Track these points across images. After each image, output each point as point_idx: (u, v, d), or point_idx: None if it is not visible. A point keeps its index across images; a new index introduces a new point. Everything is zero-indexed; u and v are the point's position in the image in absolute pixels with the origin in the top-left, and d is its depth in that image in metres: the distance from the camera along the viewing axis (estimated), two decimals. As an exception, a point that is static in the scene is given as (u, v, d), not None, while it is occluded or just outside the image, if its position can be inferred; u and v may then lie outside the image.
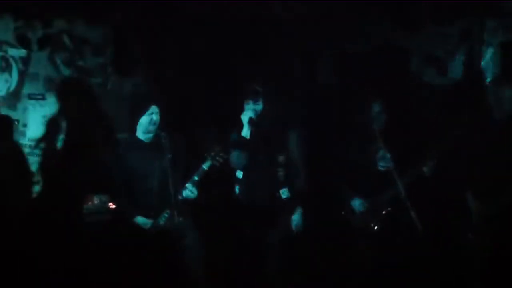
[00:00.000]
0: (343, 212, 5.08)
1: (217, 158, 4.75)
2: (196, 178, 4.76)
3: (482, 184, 4.70)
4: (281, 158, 5.01)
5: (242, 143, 4.92)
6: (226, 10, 5.89)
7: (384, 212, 4.97)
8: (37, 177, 5.60)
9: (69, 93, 5.39)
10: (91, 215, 5.21)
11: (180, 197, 4.74)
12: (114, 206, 5.13)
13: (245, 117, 4.93)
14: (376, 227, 4.95)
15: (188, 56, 6.18)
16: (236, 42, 6.20)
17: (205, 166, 4.77)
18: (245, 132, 4.92)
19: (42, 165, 5.61)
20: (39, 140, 5.62)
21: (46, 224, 5.29)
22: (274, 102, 5.28)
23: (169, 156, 4.73)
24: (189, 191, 4.75)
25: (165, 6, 5.75)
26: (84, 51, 5.94)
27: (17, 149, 5.34)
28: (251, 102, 4.97)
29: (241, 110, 5.01)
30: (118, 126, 5.87)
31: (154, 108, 4.86)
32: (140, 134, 4.91)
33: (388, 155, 4.87)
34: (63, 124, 5.52)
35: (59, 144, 5.63)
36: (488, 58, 5.62)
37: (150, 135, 4.89)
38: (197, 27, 6.03)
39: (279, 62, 6.31)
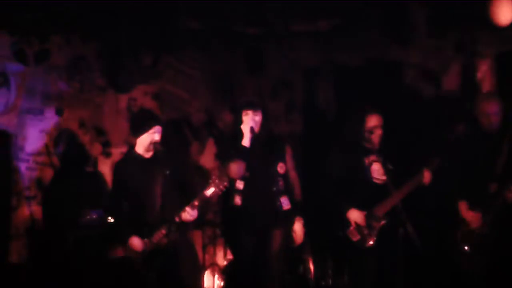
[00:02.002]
0: (340, 233, 5.08)
1: (221, 186, 4.71)
2: (195, 203, 4.72)
3: (474, 195, 4.72)
4: (280, 168, 5.02)
5: (242, 152, 4.93)
6: (225, 25, 5.94)
7: (380, 225, 4.97)
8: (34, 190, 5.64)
9: (66, 106, 5.43)
10: (86, 229, 5.22)
11: (177, 217, 4.72)
12: (112, 221, 5.13)
13: (245, 127, 4.94)
14: (372, 241, 4.95)
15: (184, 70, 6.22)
16: (235, 56, 6.24)
17: (207, 193, 4.72)
18: (246, 141, 4.93)
19: (40, 179, 5.65)
20: (37, 154, 5.67)
21: (42, 237, 5.32)
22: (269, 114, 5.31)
23: (167, 172, 4.71)
24: (188, 214, 4.71)
25: (163, 22, 5.78)
26: (81, 66, 5.96)
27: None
28: (250, 112, 4.98)
29: (240, 121, 5.03)
30: (115, 141, 5.94)
31: (157, 128, 4.87)
32: (140, 149, 4.91)
33: (383, 167, 4.88)
34: (62, 139, 5.58)
35: (57, 158, 5.69)
36: (483, 70, 5.67)
37: (150, 152, 4.89)
38: (195, 42, 6.07)
39: (278, 76, 6.36)
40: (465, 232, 4.80)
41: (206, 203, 4.82)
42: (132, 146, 4.97)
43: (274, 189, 4.96)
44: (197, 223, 5.00)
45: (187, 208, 4.70)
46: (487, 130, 4.79)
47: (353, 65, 6.18)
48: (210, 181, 4.73)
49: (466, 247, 4.78)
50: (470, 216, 4.78)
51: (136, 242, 4.73)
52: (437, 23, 5.69)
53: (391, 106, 5.51)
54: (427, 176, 4.83)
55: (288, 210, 4.97)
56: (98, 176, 5.54)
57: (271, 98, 6.43)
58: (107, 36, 5.93)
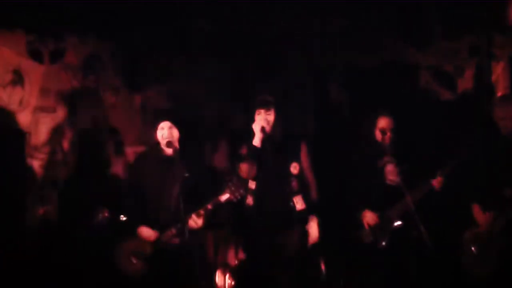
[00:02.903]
0: (353, 234, 5.06)
1: (237, 194, 4.68)
2: (209, 207, 4.69)
3: (488, 198, 4.70)
4: (293, 168, 5.00)
5: (253, 152, 4.91)
6: (238, 26, 5.94)
7: (393, 226, 4.95)
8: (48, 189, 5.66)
9: (80, 105, 5.44)
10: (100, 229, 5.23)
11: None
12: (124, 219, 5.13)
13: (256, 126, 4.92)
14: (384, 242, 4.93)
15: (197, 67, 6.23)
16: (249, 57, 6.24)
17: (222, 198, 4.70)
18: (257, 141, 4.91)
19: (55, 178, 5.67)
20: (51, 153, 5.69)
21: (56, 237, 5.34)
22: (286, 113, 5.30)
23: (186, 175, 4.65)
24: (193, 221, 4.68)
25: (176, 23, 5.79)
26: (95, 65, 5.99)
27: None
28: (262, 111, 4.96)
29: (253, 120, 5.01)
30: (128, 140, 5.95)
31: (165, 124, 4.85)
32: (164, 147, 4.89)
33: (397, 169, 4.86)
34: (73, 137, 5.59)
35: (72, 157, 5.71)
36: (497, 72, 5.64)
37: (170, 150, 4.83)
38: (208, 42, 6.07)
39: (292, 75, 6.35)
40: (474, 233, 4.78)
41: (219, 208, 4.79)
42: (154, 143, 4.93)
43: (287, 189, 4.94)
44: (209, 223, 4.98)
45: (193, 216, 4.68)
46: (505, 134, 4.75)
47: (367, 67, 6.16)
48: (226, 187, 4.70)
49: (473, 248, 4.75)
50: (482, 218, 4.76)
51: (145, 231, 4.73)
52: (452, 25, 5.67)
53: (406, 109, 5.50)
54: (438, 183, 4.80)
55: (303, 210, 4.96)
56: (112, 176, 5.55)
57: (284, 99, 6.43)
58: (122, 36, 5.95)
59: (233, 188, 4.68)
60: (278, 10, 5.79)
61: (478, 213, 4.79)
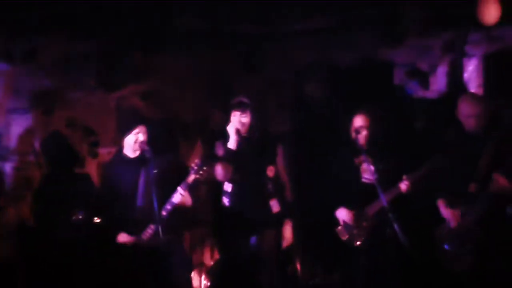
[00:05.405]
0: (329, 232, 5.08)
1: (201, 172, 4.74)
2: (181, 190, 4.77)
3: (455, 194, 4.73)
4: (269, 171, 5.01)
5: (228, 155, 4.91)
6: (217, 24, 5.91)
7: (368, 225, 4.97)
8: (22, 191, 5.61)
9: (53, 106, 5.39)
10: (75, 230, 5.20)
11: (164, 213, 4.71)
12: (99, 221, 5.12)
13: (231, 128, 4.91)
14: (359, 241, 4.95)
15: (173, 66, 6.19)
16: (227, 56, 6.22)
17: (189, 180, 4.77)
18: (232, 143, 4.90)
19: (28, 179, 5.62)
20: (24, 155, 5.63)
21: (30, 238, 5.30)
22: (262, 114, 5.30)
23: (155, 171, 4.71)
24: (180, 195, 4.74)
25: (153, 22, 5.75)
26: (69, 66, 5.93)
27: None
28: (238, 113, 4.95)
29: (228, 122, 5.00)
30: (103, 141, 5.90)
31: (141, 128, 4.86)
32: (127, 151, 4.91)
33: (372, 168, 4.88)
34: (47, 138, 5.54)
35: (45, 159, 5.65)
36: (470, 70, 5.67)
37: (137, 152, 4.88)
38: (186, 42, 6.04)
39: (270, 73, 6.34)
40: (445, 230, 4.80)
41: (192, 192, 4.87)
42: (120, 147, 4.97)
43: (264, 192, 4.95)
44: (186, 223, 5.01)
45: (179, 188, 4.72)
46: (469, 131, 4.78)
47: (344, 64, 6.17)
48: (191, 169, 4.79)
49: (446, 246, 4.78)
50: (449, 214, 4.78)
51: (124, 237, 4.77)
52: (426, 23, 5.68)
53: (381, 106, 5.52)
54: (405, 186, 4.82)
55: (278, 213, 4.97)
56: (87, 177, 5.51)
57: (263, 97, 6.42)
58: (97, 36, 5.89)
59: (196, 168, 4.74)
60: (255, 8, 5.77)
61: (445, 209, 4.81)
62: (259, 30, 6.02)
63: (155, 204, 4.54)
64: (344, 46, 6.04)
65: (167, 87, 6.29)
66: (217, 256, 5.70)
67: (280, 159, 5.06)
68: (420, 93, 5.97)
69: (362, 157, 4.95)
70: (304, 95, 6.44)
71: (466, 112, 4.74)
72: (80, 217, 5.19)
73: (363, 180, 5.02)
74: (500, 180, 4.51)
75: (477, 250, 4.62)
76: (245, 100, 5.01)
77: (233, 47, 6.13)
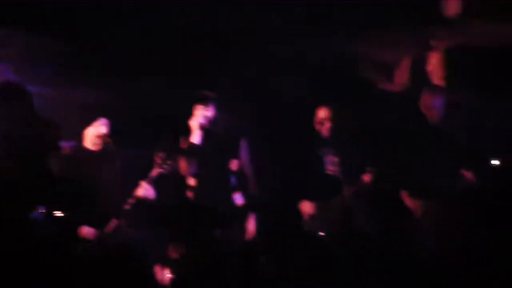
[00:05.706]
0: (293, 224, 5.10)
1: (165, 166, 4.72)
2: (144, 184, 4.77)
3: (418, 183, 4.77)
4: (233, 164, 5.01)
5: (191, 149, 4.90)
6: (187, 20, 5.89)
7: (333, 216, 4.99)
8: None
9: (12, 98, 5.33)
10: (36, 225, 5.14)
11: (127, 207, 4.70)
12: (60, 215, 5.07)
13: (194, 123, 4.90)
14: (322, 232, 4.97)
15: (139, 62, 6.15)
16: (192, 48, 6.19)
17: (152, 174, 4.76)
18: (195, 137, 4.90)
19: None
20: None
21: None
22: (226, 108, 5.28)
23: (118, 165, 4.70)
24: (143, 189, 4.75)
25: (109, 14, 5.71)
26: (31, 59, 5.86)
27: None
28: (201, 107, 4.94)
29: (191, 116, 4.99)
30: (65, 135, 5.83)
31: (102, 120, 4.84)
32: (87, 143, 4.88)
33: (336, 159, 4.90)
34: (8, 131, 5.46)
35: (6, 152, 5.57)
36: (432, 63, 5.71)
37: (98, 145, 4.85)
38: (145, 34, 6.00)
39: (231, 70, 6.33)
40: (410, 222, 4.84)
41: (156, 185, 4.86)
42: (80, 140, 4.93)
43: (227, 185, 4.95)
44: (150, 217, 5.00)
45: (143, 182, 4.71)
46: (431, 123, 4.83)
47: (312, 58, 6.18)
48: (154, 163, 4.77)
49: (413, 237, 4.81)
50: (413, 205, 4.82)
51: (86, 230, 4.75)
52: (392, 16, 5.72)
53: (345, 100, 5.55)
54: (368, 178, 4.85)
55: (242, 206, 4.97)
56: (48, 171, 5.45)
57: (238, 94, 6.42)
58: (60, 29, 5.84)
59: (159, 162, 4.73)
60: (226, 3, 5.76)
61: (408, 200, 4.85)
62: (229, 25, 6.02)
63: (118, 198, 4.53)
64: (312, 40, 6.06)
65: (135, 82, 6.25)
66: (181, 249, 5.68)
67: (243, 153, 5.06)
68: (385, 86, 6.01)
69: (326, 149, 4.98)
70: (270, 89, 6.44)
71: (428, 103, 4.79)
72: (43, 211, 5.15)
73: (327, 171, 5.04)
74: (466, 175, 4.57)
75: (446, 244, 4.67)
76: (208, 93, 5.00)
77: (204, 42, 6.11)
